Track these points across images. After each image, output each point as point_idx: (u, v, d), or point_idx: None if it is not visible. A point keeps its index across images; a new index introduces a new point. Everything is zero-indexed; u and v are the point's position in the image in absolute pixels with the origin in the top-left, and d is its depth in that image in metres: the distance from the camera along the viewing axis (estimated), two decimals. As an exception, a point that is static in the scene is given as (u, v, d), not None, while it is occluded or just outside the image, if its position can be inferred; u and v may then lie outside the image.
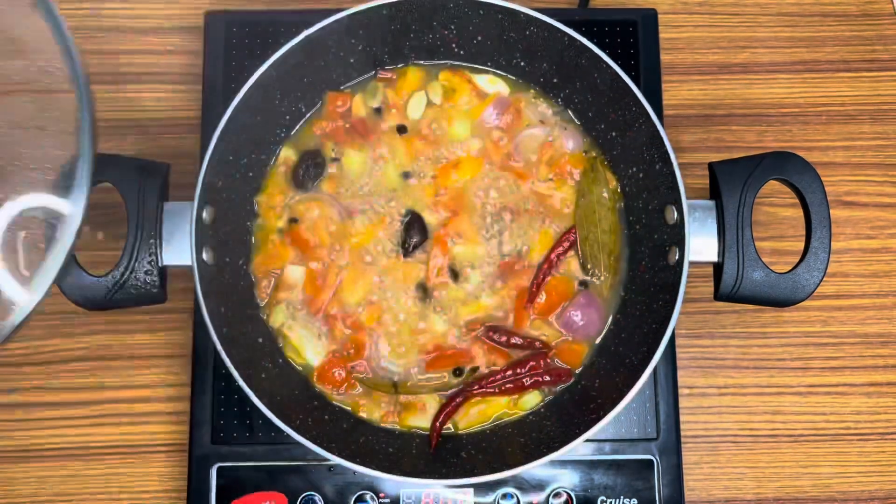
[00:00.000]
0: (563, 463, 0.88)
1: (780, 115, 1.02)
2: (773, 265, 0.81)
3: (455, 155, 0.91)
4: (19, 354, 0.94)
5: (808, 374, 0.96)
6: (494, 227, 0.90)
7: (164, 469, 0.92)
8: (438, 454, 0.84)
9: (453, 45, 0.92)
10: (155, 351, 0.95)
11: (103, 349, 0.95)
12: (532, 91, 0.94)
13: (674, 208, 0.81)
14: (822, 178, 0.80)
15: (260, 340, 0.87)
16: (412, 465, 0.82)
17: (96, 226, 0.97)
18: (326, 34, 0.84)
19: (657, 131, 0.81)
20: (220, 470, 0.87)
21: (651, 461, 0.88)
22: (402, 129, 0.92)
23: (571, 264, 0.90)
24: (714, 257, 0.80)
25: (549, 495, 0.88)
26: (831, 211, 0.81)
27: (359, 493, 0.87)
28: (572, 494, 0.88)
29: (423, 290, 0.89)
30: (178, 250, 0.79)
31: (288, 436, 0.76)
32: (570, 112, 0.93)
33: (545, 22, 0.84)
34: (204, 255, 0.80)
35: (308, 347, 0.87)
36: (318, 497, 0.87)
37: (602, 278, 0.89)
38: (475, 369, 0.88)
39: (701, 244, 0.80)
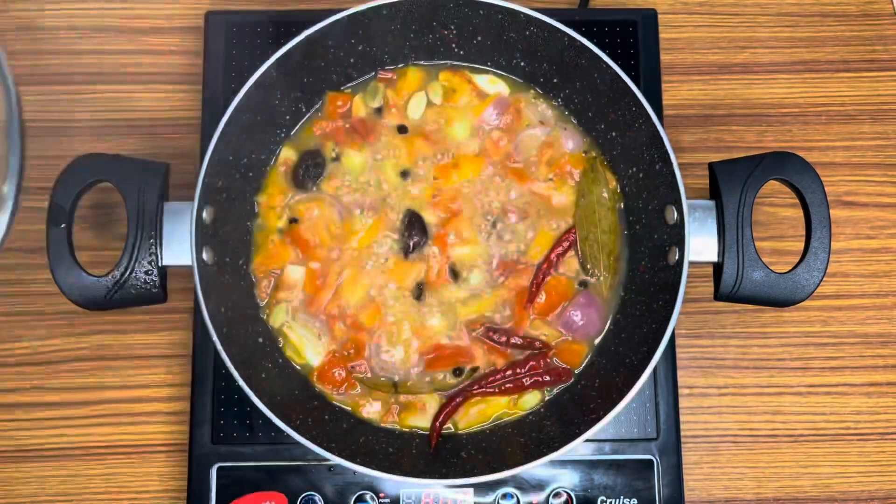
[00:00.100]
0: (563, 463, 0.88)
1: (780, 115, 1.02)
2: (773, 265, 0.81)
3: (455, 155, 0.91)
4: (19, 354, 0.94)
5: (808, 374, 0.96)
6: (494, 227, 0.90)
7: (164, 469, 0.92)
8: (438, 454, 0.84)
9: (453, 45, 0.92)
10: (155, 351, 0.95)
11: (103, 349, 0.95)
12: (532, 91, 0.94)
13: (674, 208, 0.81)
14: (822, 178, 0.80)
15: (260, 340, 0.87)
16: (412, 465, 0.82)
17: (96, 226, 0.97)
18: (326, 34, 0.84)
19: (657, 131, 0.81)
20: (220, 470, 0.87)
21: (651, 461, 0.88)
22: (402, 130, 0.92)
23: (571, 264, 0.90)
24: (714, 257, 0.80)
25: (549, 495, 0.88)
26: (831, 211, 0.81)
27: (359, 493, 0.87)
28: (572, 494, 0.88)
29: (423, 290, 0.89)
30: (178, 250, 0.79)
31: (288, 436, 0.76)
32: (569, 112, 0.93)
33: (545, 22, 0.84)
34: (204, 255, 0.80)
35: (308, 347, 0.87)
36: (318, 497, 0.87)
37: (602, 278, 0.89)
38: (475, 369, 0.88)
39: (701, 244, 0.80)
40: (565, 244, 0.89)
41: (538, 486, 0.88)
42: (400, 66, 0.94)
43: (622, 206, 0.90)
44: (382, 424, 0.87)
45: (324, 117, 0.92)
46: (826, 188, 0.80)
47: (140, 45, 1.02)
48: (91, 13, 1.03)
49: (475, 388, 0.86)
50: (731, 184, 0.80)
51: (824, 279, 0.79)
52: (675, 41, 1.04)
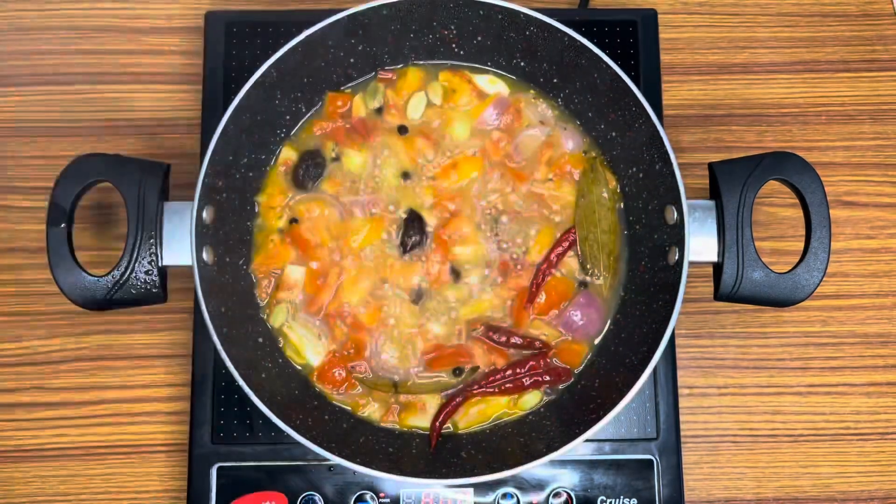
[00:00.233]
0: (563, 463, 0.88)
1: (780, 115, 1.02)
2: (773, 265, 0.81)
3: (455, 155, 0.91)
4: (19, 354, 0.95)
5: (807, 374, 0.96)
6: (494, 227, 0.90)
7: (164, 469, 0.93)
8: (438, 454, 0.84)
9: (453, 45, 0.92)
10: (155, 351, 0.95)
11: (103, 349, 0.95)
12: (532, 91, 0.94)
13: (674, 208, 0.81)
14: (822, 178, 0.80)
15: (260, 340, 0.87)
16: (412, 465, 0.82)
17: (96, 226, 0.97)
18: (326, 34, 0.84)
19: (657, 131, 0.81)
20: (220, 470, 0.87)
21: (651, 461, 0.88)
22: (402, 130, 0.92)
23: (571, 264, 0.90)
24: (714, 257, 0.80)
25: (549, 495, 0.88)
26: (831, 211, 0.81)
27: (359, 493, 0.87)
28: (572, 494, 0.88)
29: (424, 291, 0.89)
30: (178, 250, 0.79)
31: (288, 436, 0.76)
32: (569, 112, 0.93)
33: (545, 22, 0.84)
34: (204, 255, 0.80)
35: (308, 347, 0.87)
36: (318, 497, 0.87)
37: (602, 278, 0.89)
38: (475, 369, 0.88)
39: (701, 244, 0.80)
40: (565, 244, 0.89)
41: (538, 486, 0.88)
42: (400, 66, 0.94)
43: (622, 206, 0.90)
44: (382, 424, 0.87)
45: (324, 117, 0.92)
46: (826, 188, 0.80)
47: (140, 45, 1.02)
48: (91, 13, 1.03)
49: (475, 387, 0.86)
50: (731, 184, 0.80)
51: (824, 279, 0.79)
52: (675, 41, 1.04)
